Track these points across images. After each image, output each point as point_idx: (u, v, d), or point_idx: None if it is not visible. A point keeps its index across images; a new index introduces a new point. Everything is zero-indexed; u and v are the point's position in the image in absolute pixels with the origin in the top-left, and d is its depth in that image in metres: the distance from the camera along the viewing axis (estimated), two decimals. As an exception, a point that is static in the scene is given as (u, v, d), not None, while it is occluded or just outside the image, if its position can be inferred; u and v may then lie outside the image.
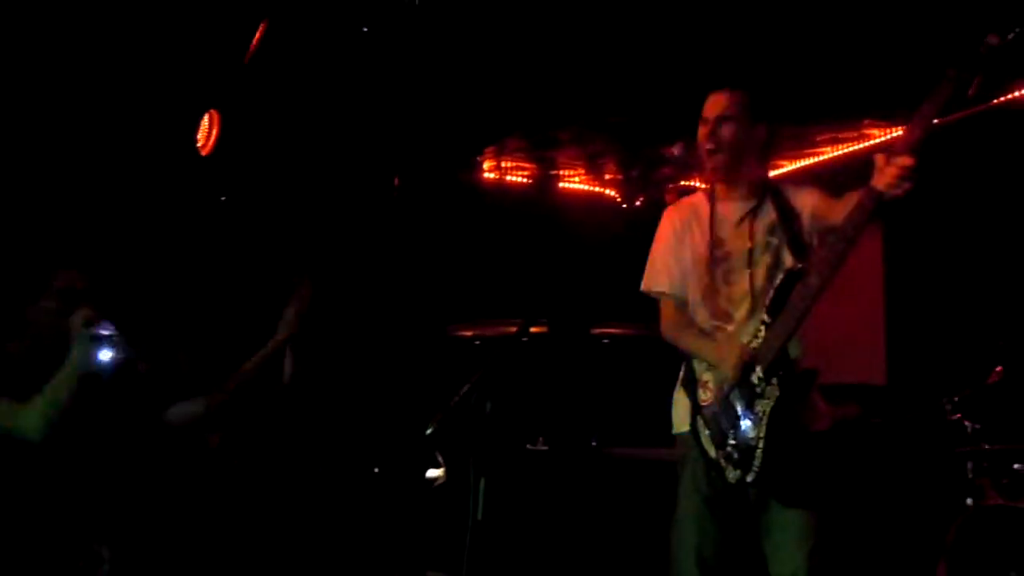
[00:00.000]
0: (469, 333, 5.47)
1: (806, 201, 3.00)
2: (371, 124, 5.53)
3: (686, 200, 3.22)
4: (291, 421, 3.94)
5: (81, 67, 4.62)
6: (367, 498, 5.16)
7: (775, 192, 3.05)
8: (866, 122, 5.90)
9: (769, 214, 3.02)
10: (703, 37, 4.86)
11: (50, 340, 3.04)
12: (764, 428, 2.80)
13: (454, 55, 5.11)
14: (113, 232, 4.93)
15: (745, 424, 2.84)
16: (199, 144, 5.03)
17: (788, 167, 6.48)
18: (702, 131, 3.04)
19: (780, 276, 2.89)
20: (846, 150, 6.24)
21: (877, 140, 6.01)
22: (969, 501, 4.66)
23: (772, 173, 3.42)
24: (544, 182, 7.03)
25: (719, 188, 3.11)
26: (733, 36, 4.83)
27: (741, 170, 3.04)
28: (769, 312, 2.86)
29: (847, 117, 5.89)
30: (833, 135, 6.16)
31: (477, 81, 5.36)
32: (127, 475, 3.37)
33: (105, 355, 3.12)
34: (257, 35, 4.76)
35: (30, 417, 2.97)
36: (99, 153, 4.86)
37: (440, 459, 5.12)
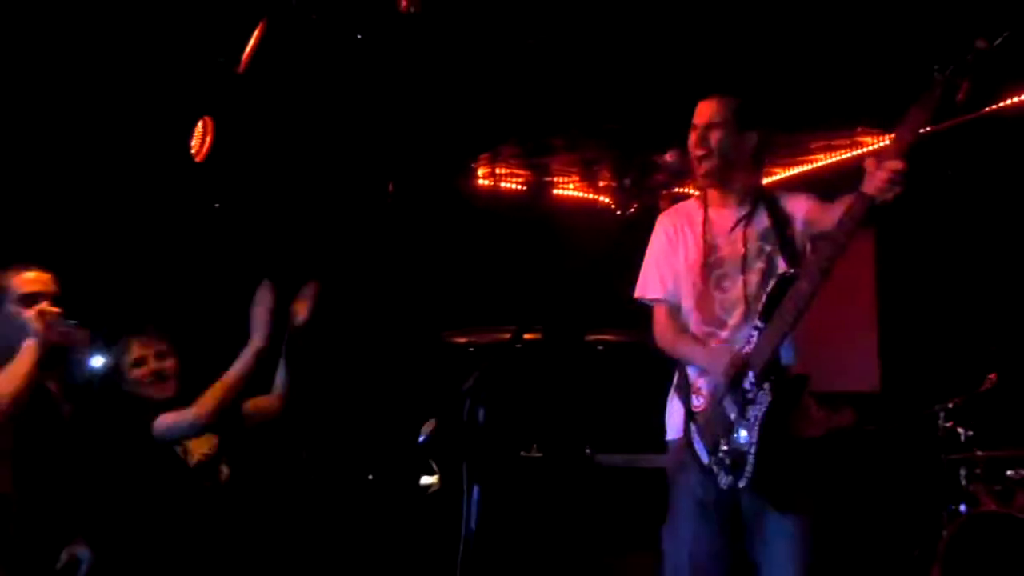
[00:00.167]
0: (463, 340, 5.47)
1: (799, 207, 3.01)
2: (365, 131, 5.53)
3: (679, 207, 3.22)
4: (285, 430, 3.93)
5: (75, 73, 4.61)
6: (361, 505, 5.15)
7: (768, 198, 3.06)
8: (860, 129, 5.93)
9: (762, 220, 3.03)
10: (697, 44, 4.87)
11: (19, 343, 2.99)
12: (756, 434, 2.80)
13: (448, 62, 5.12)
14: (107, 238, 4.92)
15: (737, 430, 2.84)
16: (193, 151, 5.02)
17: (782, 174, 6.50)
18: (691, 138, 3.05)
19: (772, 282, 2.89)
20: (840, 157, 6.26)
21: (870, 147, 6.02)
22: (962, 508, 4.67)
23: (766, 180, 3.43)
24: (538, 189, 7.04)
25: (712, 194, 3.12)
26: (727, 44, 4.84)
27: (733, 176, 3.05)
28: (762, 318, 2.87)
29: (841, 124, 5.91)
30: (827, 142, 6.18)
31: (471, 88, 5.36)
32: (113, 479, 3.36)
33: (97, 362, 3.09)
34: (252, 42, 4.76)
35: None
36: (93, 159, 4.85)
37: (434, 466, 5.12)
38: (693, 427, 2.97)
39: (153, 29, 4.59)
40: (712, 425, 2.91)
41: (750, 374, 2.84)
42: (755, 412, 2.82)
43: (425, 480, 5.13)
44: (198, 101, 5.03)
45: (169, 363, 3.48)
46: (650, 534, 3.17)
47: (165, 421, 3.30)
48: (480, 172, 6.87)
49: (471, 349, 5.42)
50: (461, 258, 6.42)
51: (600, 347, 5.54)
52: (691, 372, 3.03)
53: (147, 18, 4.55)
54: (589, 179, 6.96)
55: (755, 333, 2.87)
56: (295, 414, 3.83)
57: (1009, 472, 4.58)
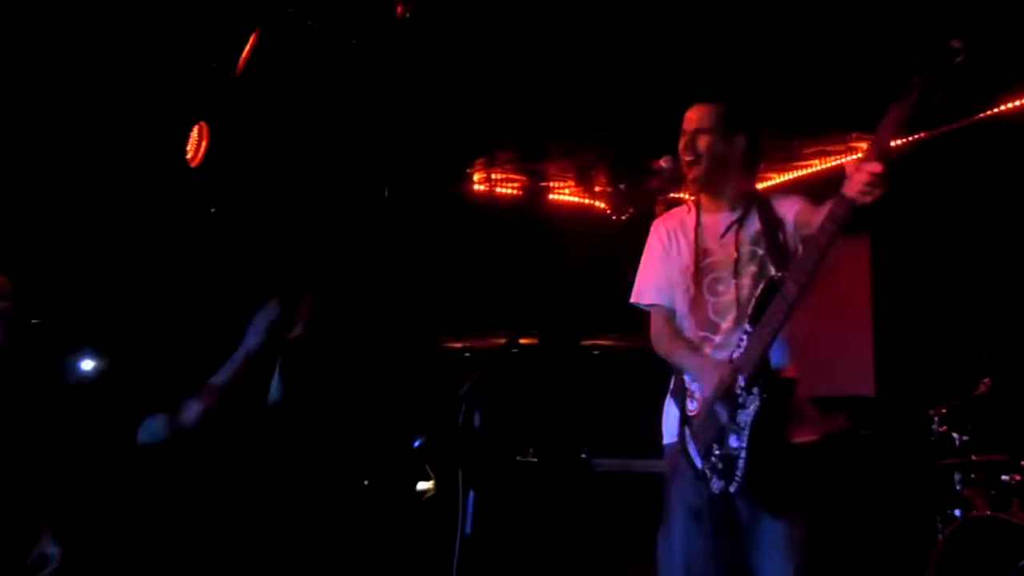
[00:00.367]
0: (459, 345, 5.47)
1: (789, 209, 3.01)
2: (361, 135, 5.53)
3: (673, 212, 3.24)
4: (280, 435, 3.92)
5: (71, 79, 4.61)
6: (357, 510, 5.15)
7: (761, 202, 3.07)
8: (854, 135, 5.93)
9: (754, 224, 3.03)
10: (692, 51, 4.88)
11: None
12: (747, 438, 2.80)
13: (444, 67, 5.13)
14: (101, 243, 4.92)
15: (729, 434, 2.85)
16: (188, 156, 5.02)
17: (776, 179, 6.52)
18: (681, 143, 3.07)
19: (761, 285, 2.89)
20: (834, 163, 6.27)
21: (865, 153, 6.04)
22: (957, 512, 4.68)
23: (760, 185, 3.44)
24: (534, 194, 7.05)
25: (704, 199, 3.13)
26: (721, 50, 4.85)
27: (724, 181, 3.06)
28: (751, 321, 2.87)
29: (835, 130, 5.93)
30: (821, 148, 6.19)
31: (467, 93, 5.37)
32: (94, 480, 3.34)
33: (87, 365, 3.08)
34: (248, 47, 4.77)
35: None
36: (88, 164, 4.85)
37: (430, 471, 5.12)
38: (687, 431, 2.97)
39: (149, 34, 4.60)
40: (705, 429, 2.91)
41: (740, 378, 2.84)
42: (745, 416, 2.82)
43: (421, 485, 5.12)
44: (194, 106, 5.04)
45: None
46: (647, 542, 3.17)
47: (151, 426, 3.29)
48: (476, 177, 6.88)
49: (467, 354, 5.43)
50: (457, 263, 6.42)
51: (596, 352, 5.54)
52: (687, 377, 3.04)
53: (143, 23, 4.55)
54: (585, 184, 6.97)
55: (744, 337, 2.88)
56: (291, 421, 3.83)
57: (1004, 477, 4.58)
